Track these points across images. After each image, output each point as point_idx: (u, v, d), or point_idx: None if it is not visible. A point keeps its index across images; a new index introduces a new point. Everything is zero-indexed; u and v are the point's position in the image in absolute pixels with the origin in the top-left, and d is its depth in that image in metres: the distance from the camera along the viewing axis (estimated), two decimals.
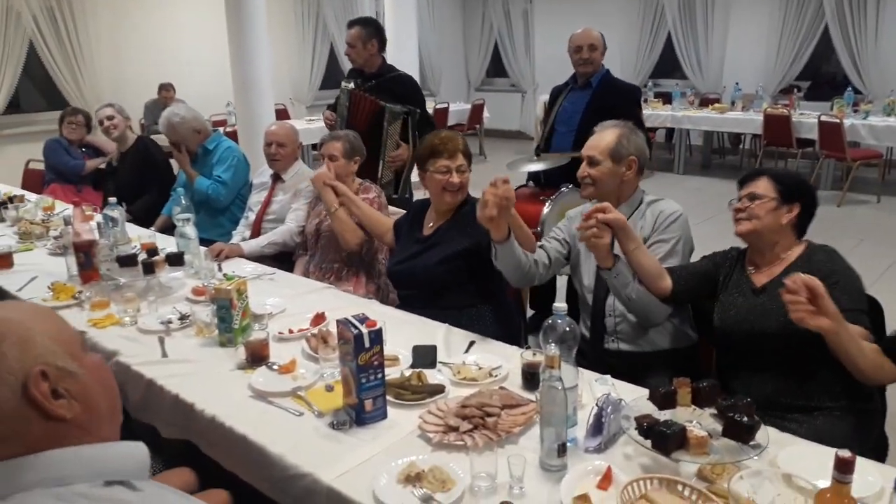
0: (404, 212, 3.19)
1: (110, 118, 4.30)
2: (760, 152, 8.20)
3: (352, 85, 3.83)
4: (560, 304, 1.57)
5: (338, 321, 1.71)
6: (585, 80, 3.66)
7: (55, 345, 0.95)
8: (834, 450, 1.51)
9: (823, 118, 7.14)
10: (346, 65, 10.30)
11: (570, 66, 3.74)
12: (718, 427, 1.53)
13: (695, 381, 1.62)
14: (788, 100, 8.23)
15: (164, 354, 2.11)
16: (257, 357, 2.02)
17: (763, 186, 1.96)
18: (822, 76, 9.59)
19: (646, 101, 9.04)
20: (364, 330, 1.64)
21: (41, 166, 5.23)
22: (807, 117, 7.56)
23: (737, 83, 8.83)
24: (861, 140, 7.25)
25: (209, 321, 2.23)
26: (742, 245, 2.11)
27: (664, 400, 1.58)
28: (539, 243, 2.40)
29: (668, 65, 10.44)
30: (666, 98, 9.13)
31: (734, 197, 2.04)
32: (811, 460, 1.46)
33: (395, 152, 3.76)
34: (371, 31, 3.78)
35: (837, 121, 6.96)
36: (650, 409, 1.60)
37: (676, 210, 2.24)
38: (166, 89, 7.59)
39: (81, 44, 7.51)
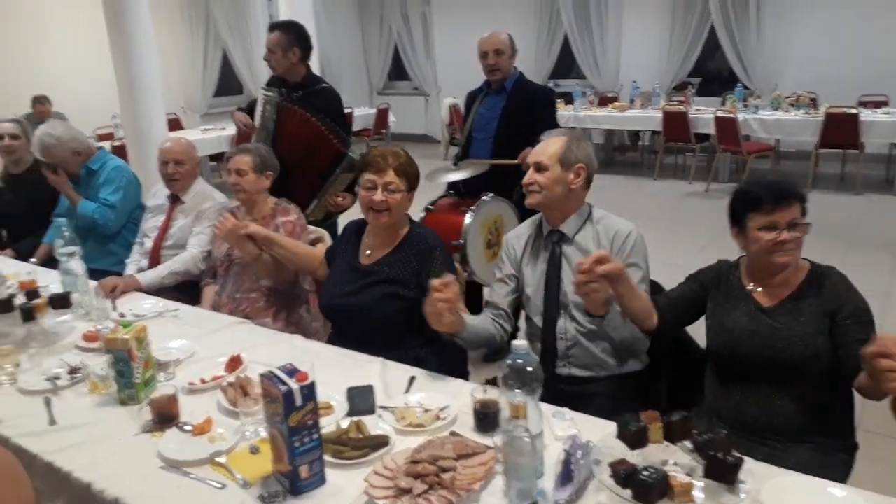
0: (323, 231, 2.96)
1: (14, 137, 3.69)
2: (661, 148, 8.42)
3: (276, 95, 3.39)
4: (520, 343, 1.40)
5: (261, 376, 1.47)
6: (499, 85, 3.53)
7: None
8: (815, 479, 1.43)
9: (719, 113, 7.39)
10: (243, 70, 9.98)
11: (474, 68, 3.60)
12: (695, 464, 1.41)
13: (650, 404, 1.51)
14: (683, 96, 8.50)
15: (52, 420, 1.79)
16: (165, 417, 1.74)
17: (797, 210, 1.75)
18: (711, 73, 9.99)
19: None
20: (294, 385, 1.41)
21: None
22: (702, 113, 7.82)
23: (634, 81, 9.04)
24: (752, 133, 7.56)
25: (105, 374, 1.92)
26: (729, 257, 1.99)
27: (636, 438, 1.44)
28: (487, 299, 2.21)
29: (566, 65, 10.58)
30: (567, 98, 9.22)
31: (763, 223, 1.76)
32: (795, 493, 1.37)
33: (336, 199, 3.37)
34: (293, 37, 3.40)
35: (732, 116, 7.22)
36: (620, 448, 1.46)
37: (632, 229, 2.11)
38: (41, 102, 6.92)
39: None
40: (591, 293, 1.82)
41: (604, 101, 9.26)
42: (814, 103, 7.77)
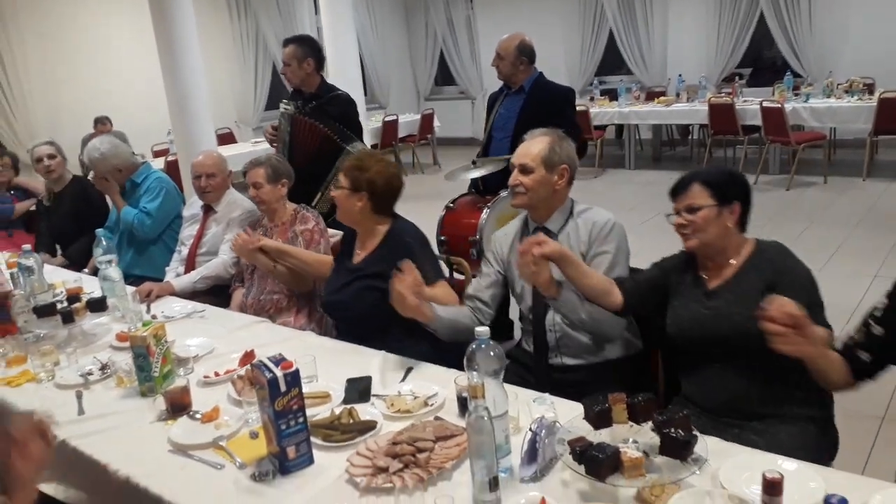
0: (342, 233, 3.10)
1: (52, 157, 4.03)
2: (709, 141, 8.27)
3: (291, 108, 3.64)
4: (481, 329, 1.49)
5: (251, 365, 1.60)
6: (518, 85, 3.61)
7: None
8: (770, 455, 1.46)
9: (765, 104, 7.21)
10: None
11: None
12: (656, 442, 1.46)
13: (644, 389, 1.56)
14: (731, 88, 8.32)
15: (81, 411, 1.97)
16: (178, 406, 1.89)
17: (698, 194, 1.83)
18: (763, 62, 9.74)
19: (592, 99, 9.09)
20: (279, 373, 1.54)
21: None
22: (750, 104, 7.64)
23: (679, 75, 8.91)
24: (804, 123, 7.34)
25: (130, 370, 2.10)
26: None
27: (599, 418, 1.50)
28: (468, 293, 2.31)
29: (612, 62, 10.51)
30: (612, 95, 9.17)
31: (669, 212, 1.91)
32: (756, 470, 1.40)
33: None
34: (306, 49, 3.63)
35: (779, 105, 7.03)
36: (586, 429, 1.53)
37: (609, 218, 2.18)
38: (102, 123, 7.35)
39: (10, 78, 7.22)
40: (532, 276, 1.93)
41: (651, 95, 9.16)
42: (869, 89, 7.49)
